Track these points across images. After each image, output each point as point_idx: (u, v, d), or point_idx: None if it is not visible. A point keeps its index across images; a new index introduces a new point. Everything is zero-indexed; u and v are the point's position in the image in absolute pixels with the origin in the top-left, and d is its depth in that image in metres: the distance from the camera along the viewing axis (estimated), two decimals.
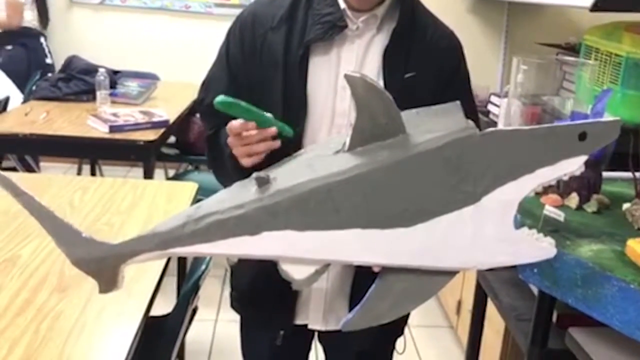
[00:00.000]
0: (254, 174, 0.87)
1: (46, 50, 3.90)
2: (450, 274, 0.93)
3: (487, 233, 0.88)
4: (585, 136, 0.87)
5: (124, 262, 0.89)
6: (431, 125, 0.90)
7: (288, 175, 0.88)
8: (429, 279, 0.92)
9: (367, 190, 0.85)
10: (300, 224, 0.86)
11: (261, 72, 1.17)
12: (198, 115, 3.27)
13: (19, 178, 2.13)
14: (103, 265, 0.89)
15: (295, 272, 0.90)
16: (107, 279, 0.90)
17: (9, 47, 3.74)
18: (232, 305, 1.37)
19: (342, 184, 0.85)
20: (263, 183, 0.87)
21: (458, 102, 0.97)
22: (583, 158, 0.89)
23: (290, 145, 1.12)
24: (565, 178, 0.90)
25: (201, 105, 1.26)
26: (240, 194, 0.88)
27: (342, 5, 1.13)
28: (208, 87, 1.24)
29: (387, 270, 0.92)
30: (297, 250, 0.87)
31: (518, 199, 0.88)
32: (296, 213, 0.85)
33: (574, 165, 0.89)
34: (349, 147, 0.89)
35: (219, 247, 0.87)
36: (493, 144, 0.86)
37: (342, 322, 0.93)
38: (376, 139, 0.88)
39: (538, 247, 0.92)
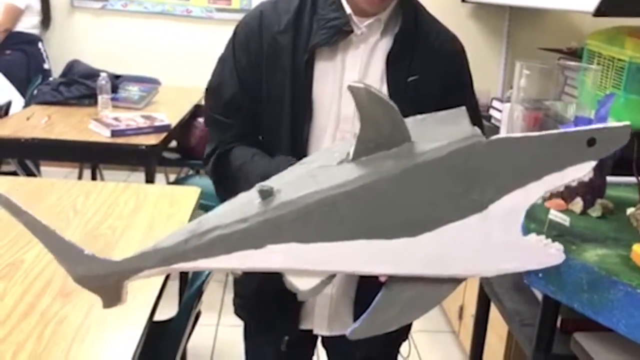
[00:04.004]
0: (257, 186, 0.86)
1: (44, 56, 3.91)
2: (457, 281, 0.93)
3: (494, 240, 0.87)
4: (595, 142, 0.86)
5: (127, 278, 0.88)
6: (437, 133, 0.90)
7: (292, 187, 0.87)
8: (435, 287, 0.91)
9: (372, 201, 0.84)
10: (305, 236, 0.85)
11: (268, 77, 1.16)
12: (200, 119, 3.27)
13: (21, 183, 2.14)
14: (106, 283, 0.88)
15: (301, 283, 0.89)
16: (111, 295, 0.90)
17: (8, 52, 3.75)
18: (237, 312, 1.36)
19: (346, 195, 0.84)
20: (266, 195, 0.86)
21: (464, 108, 0.97)
22: (591, 164, 0.87)
23: (295, 150, 1.11)
24: (574, 184, 0.89)
25: (213, 111, 1.23)
26: (244, 207, 0.87)
27: (348, 10, 1.13)
28: (217, 92, 1.22)
29: (393, 279, 0.91)
30: (302, 263, 0.87)
31: (525, 206, 0.87)
32: (301, 226, 0.85)
33: (582, 171, 0.87)
34: (353, 157, 0.88)
35: (223, 262, 0.86)
36: (499, 151, 0.85)
37: (349, 331, 0.93)
38: (380, 148, 0.87)
39: (546, 254, 0.91)
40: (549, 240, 0.91)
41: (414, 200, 0.85)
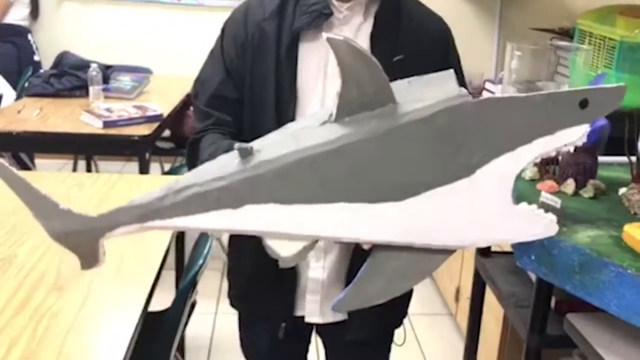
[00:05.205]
0: (236, 145, 0.83)
1: (34, 47, 3.88)
2: (447, 252, 0.89)
3: (483, 208, 0.84)
4: (587, 103, 0.83)
5: (103, 235, 0.86)
6: (422, 94, 0.86)
7: (272, 147, 0.84)
8: (424, 257, 0.88)
9: (354, 162, 0.81)
10: (285, 197, 0.82)
11: (254, 63, 1.18)
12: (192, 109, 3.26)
13: None
14: (82, 239, 0.86)
15: (282, 249, 0.86)
16: (87, 254, 0.87)
17: None
18: (232, 304, 1.37)
19: (327, 155, 0.81)
20: (246, 154, 0.83)
21: (452, 71, 0.93)
22: (584, 127, 0.84)
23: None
24: (569, 149, 0.86)
25: (196, 99, 1.25)
26: (223, 166, 0.84)
27: None
28: (204, 83, 1.24)
29: (379, 248, 0.88)
30: (281, 225, 0.84)
31: (515, 171, 0.84)
32: (280, 185, 0.82)
33: (574, 135, 0.84)
34: (335, 117, 0.85)
35: (201, 221, 0.84)
36: (487, 112, 0.82)
37: (334, 303, 0.91)
38: (364, 109, 0.84)
39: (538, 224, 0.88)
40: (542, 210, 0.88)
41: (398, 162, 0.82)
